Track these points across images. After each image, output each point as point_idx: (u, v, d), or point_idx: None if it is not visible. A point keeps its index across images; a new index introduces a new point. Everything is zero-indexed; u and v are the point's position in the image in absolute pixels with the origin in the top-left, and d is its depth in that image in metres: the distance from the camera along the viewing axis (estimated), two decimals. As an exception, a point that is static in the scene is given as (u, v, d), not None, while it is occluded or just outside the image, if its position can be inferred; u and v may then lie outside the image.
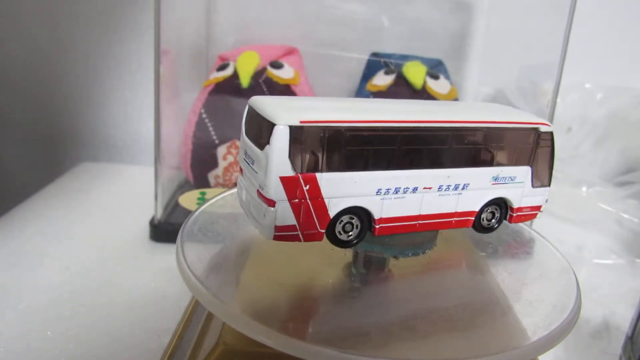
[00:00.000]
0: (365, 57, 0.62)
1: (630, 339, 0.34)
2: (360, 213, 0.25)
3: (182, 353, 0.29)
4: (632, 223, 0.58)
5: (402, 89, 0.56)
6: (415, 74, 0.56)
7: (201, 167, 0.55)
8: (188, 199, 0.52)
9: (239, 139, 0.54)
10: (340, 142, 0.24)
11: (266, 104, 0.25)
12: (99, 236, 0.52)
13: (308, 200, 0.24)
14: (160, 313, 0.39)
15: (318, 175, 0.24)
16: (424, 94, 0.56)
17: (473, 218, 0.28)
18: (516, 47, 0.62)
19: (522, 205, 0.29)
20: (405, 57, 0.59)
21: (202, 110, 0.54)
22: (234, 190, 0.35)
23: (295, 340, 0.20)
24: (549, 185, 0.29)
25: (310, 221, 0.24)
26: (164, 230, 0.51)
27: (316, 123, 0.23)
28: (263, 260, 0.29)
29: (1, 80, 0.73)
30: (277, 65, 0.56)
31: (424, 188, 0.26)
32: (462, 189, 0.27)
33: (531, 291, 0.28)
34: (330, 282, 0.27)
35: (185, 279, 0.24)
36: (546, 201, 0.29)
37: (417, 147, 0.25)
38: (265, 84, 0.54)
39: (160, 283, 0.43)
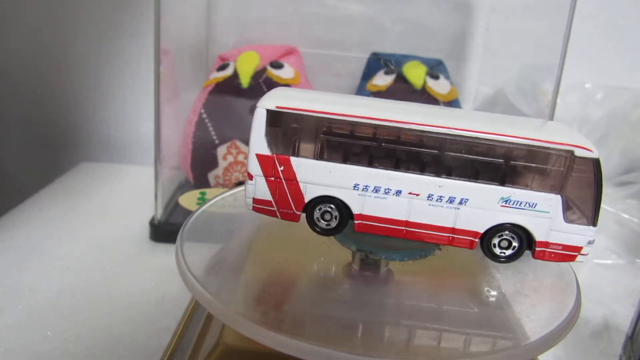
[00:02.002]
0: (365, 57, 0.62)
1: (630, 339, 0.34)
2: (339, 204, 0.26)
3: (182, 353, 0.29)
4: (632, 223, 0.58)
5: (402, 89, 0.56)
6: (415, 74, 0.56)
7: (201, 167, 0.55)
8: (188, 199, 0.52)
9: (239, 139, 0.54)
10: (316, 131, 0.25)
11: (271, 93, 0.26)
12: (99, 236, 0.51)
13: (283, 181, 0.26)
14: (160, 313, 0.39)
15: (292, 159, 0.25)
16: (424, 94, 0.56)
17: (476, 240, 0.25)
18: (516, 47, 0.62)
19: (550, 241, 0.24)
20: (405, 57, 0.59)
21: (202, 110, 0.54)
22: (234, 190, 0.35)
23: (294, 341, 0.20)
24: (592, 224, 0.24)
25: (286, 201, 0.26)
26: (164, 230, 0.51)
27: (292, 110, 0.25)
28: (263, 260, 0.29)
29: (1, 81, 0.73)
30: (277, 65, 0.56)
31: (410, 193, 0.25)
32: (460, 204, 0.24)
33: (531, 291, 0.28)
34: (330, 282, 0.27)
35: (184, 279, 0.24)
36: (589, 243, 0.24)
37: (400, 148, 0.24)
38: (265, 84, 0.54)
39: (160, 283, 0.43)
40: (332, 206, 0.26)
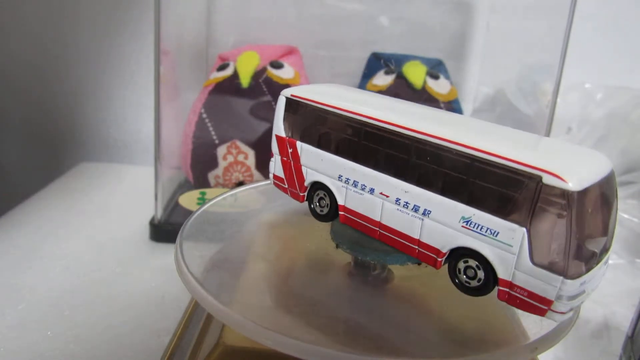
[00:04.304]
0: (365, 57, 0.62)
1: (630, 339, 0.34)
2: (330, 193, 0.27)
3: (182, 353, 0.29)
4: (632, 223, 0.58)
5: (402, 89, 0.56)
6: (415, 74, 0.56)
7: (201, 167, 0.55)
8: (188, 199, 0.52)
9: (239, 139, 0.54)
10: (315, 120, 0.27)
11: (304, 86, 0.29)
12: (99, 236, 0.52)
13: (291, 162, 0.28)
14: (160, 313, 0.39)
15: (298, 143, 0.27)
16: (424, 94, 0.56)
17: (440, 259, 0.22)
18: (516, 47, 0.62)
19: (515, 283, 0.20)
20: (405, 57, 0.59)
21: (202, 110, 0.54)
22: (235, 190, 0.35)
23: (294, 341, 0.20)
24: (564, 274, 0.19)
25: (293, 181, 0.28)
26: (164, 230, 0.51)
27: (300, 99, 0.27)
28: (262, 260, 0.29)
29: (2, 81, 0.73)
30: (277, 65, 0.56)
31: (381, 193, 0.24)
32: (423, 215, 0.22)
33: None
34: (331, 282, 0.27)
35: (183, 280, 0.24)
36: (559, 298, 0.19)
37: (377, 147, 0.24)
38: (265, 84, 0.54)
39: (160, 283, 0.44)
40: (325, 193, 0.27)
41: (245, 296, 0.25)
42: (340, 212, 0.26)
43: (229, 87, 0.54)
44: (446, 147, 0.21)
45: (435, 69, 0.59)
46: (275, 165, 0.29)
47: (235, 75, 0.54)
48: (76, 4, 0.70)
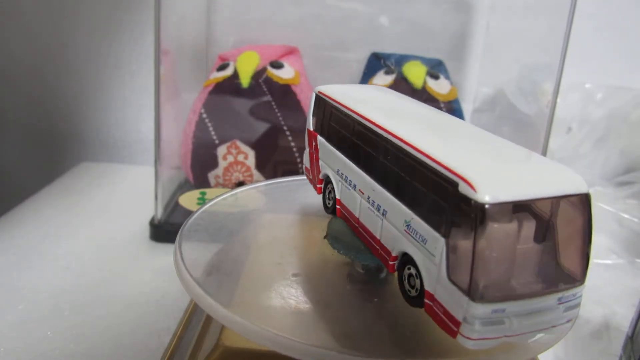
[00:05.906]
0: (365, 57, 0.62)
1: (631, 339, 0.34)
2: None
3: (182, 353, 0.29)
4: (632, 223, 0.58)
5: (402, 89, 0.56)
6: (415, 74, 0.56)
7: (201, 167, 0.55)
8: (188, 199, 0.52)
9: (239, 139, 0.54)
10: (329, 116, 0.28)
11: (338, 85, 0.30)
12: (99, 236, 0.52)
13: (314, 154, 0.29)
14: (160, 313, 0.39)
15: (318, 137, 0.28)
16: (424, 94, 0.56)
17: (392, 263, 0.21)
18: (516, 47, 0.62)
19: (435, 297, 0.18)
20: (405, 57, 0.59)
21: (202, 110, 0.54)
22: (235, 190, 0.35)
23: (294, 342, 0.20)
24: (469, 294, 0.17)
25: (314, 173, 0.29)
26: (164, 230, 0.51)
27: (323, 95, 0.28)
28: (262, 261, 0.29)
29: (2, 81, 0.73)
30: (277, 65, 0.56)
31: (359, 190, 0.24)
32: (383, 215, 0.21)
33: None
34: (331, 283, 0.27)
35: (182, 280, 0.24)
36: (469, 322, 0.17)
37: (359, 143, 0.24)
38: (265, 84, 0.54)
39: (160, 283, 0.43)
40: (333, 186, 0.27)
41: (244, 297, 0.25)
42: (337, 206, 0.27)
43: (229, 87, 0.54)
44: (397, 144, 0.21)
45: (435, 69, 0.59)
46: (305, 158, 0.30)
47: (235, 75, 0.54)
48: (76, 4, 0.70)
